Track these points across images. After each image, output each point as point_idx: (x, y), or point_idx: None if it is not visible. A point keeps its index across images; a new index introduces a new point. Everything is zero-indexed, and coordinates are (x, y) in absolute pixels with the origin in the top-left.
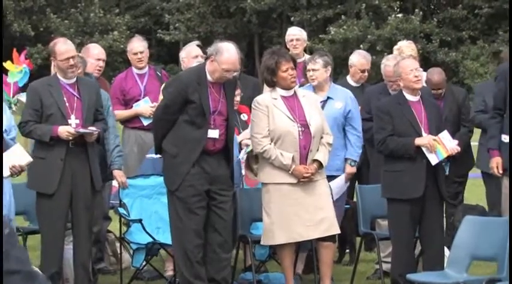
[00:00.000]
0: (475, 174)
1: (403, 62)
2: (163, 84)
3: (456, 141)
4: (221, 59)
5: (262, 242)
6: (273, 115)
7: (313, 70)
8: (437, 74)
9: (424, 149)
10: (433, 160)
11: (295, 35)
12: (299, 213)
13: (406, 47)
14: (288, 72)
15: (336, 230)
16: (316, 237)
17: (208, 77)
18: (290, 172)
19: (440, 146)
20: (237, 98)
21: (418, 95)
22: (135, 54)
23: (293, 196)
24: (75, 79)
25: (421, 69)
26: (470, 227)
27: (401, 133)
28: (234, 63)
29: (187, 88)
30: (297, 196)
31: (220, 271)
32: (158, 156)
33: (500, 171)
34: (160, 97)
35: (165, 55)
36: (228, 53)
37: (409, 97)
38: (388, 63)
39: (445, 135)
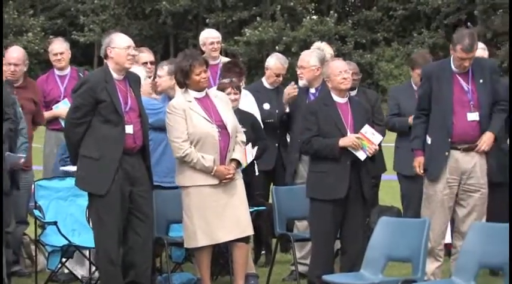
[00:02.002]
0: (389, 175)
1: (333, 63)
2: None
3: (379, 134)
4: (117, 43)
5: (185, 245)
6: (190, 118)
7: (159, 76)
8: (350, 64)
9: (350, 149)
10: (362, 156)
11: (215, 37)
12: (219, 215)
13: (325, 46)
14: (201, 75)
15: (250, 230)
16: (235, 238)
17: (114, 75)
18: (212, 174)
19: (365, 141)
20: None
21: (346, 97)
22: (55, 54)
23: (214, 198)
24: None
25: (350, 72)
26: (386, 228)
27: (326, 134)
28: (128, 38)
29: (96, 88)
30: (218, 197)
31: (141, 274)
32: (75, 168)
33: (421, 171)
34: None
35: (79, 56)
36: (117, 35)
37: (336, 98)
38: (305, 53)
39: (367, 129)
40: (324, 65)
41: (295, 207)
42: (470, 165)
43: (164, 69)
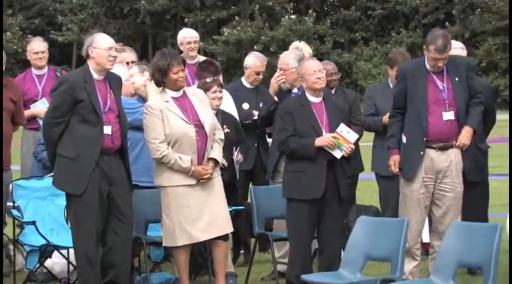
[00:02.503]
0: (367, 175)
1: (307, 62)
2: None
3: (354, 133)
4: (99, 43)
5: (163, 244)
6: (167, 119)
7: (130, 76)
8: (329, 64)
9: (326, 148)
10: (338, 154)
11: (193, 37)
12: (198, 214)
13: (304, 45)
14: (179, 74)
15: (230, 228)
16: (214, 237)
17: (94, 75)
18: (190, 174)
19: (341, 140)
20: None
21: (321, 96)
22: (36, 53)
23: (192, 197)
24: None
25: (325, 71)
26: (364, 227)
27: (302, 134)
28: (111, 39)
29: (75, 87)
30: (196, 196)
31: (120, 274)
32: None
33: (397, 169)
34: None
35: (57, 56)
36: (99, 35)
37: (311, 98)
38: (284, 55)
39: (342, 128)
40: (299, 65)
41: (273, 207)
42: (445, 164)
43: (134, 68)
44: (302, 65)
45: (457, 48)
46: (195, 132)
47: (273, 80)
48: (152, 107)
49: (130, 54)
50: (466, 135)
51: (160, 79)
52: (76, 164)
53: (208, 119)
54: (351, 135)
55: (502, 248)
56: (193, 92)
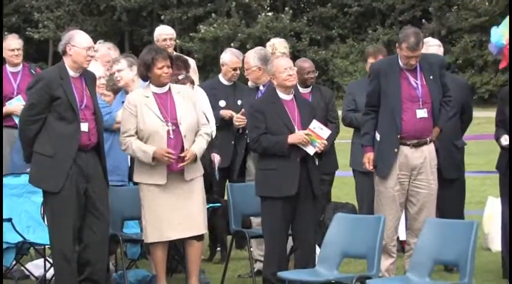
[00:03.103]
0: (344, 172)
1: (277, 60)
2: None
3: (327, 129)
4: (78, 42)
5: (143, 238)
6: (142, 114)
7: (118, 71)
8: (307, 61)
9: (299, 145)
10: (311, 151)
11: (169, 34)
12: (170, 213)
13: (279, 43)
14: (163, 69)
15: (203, 229)
16: (186, 236)
17: (70, 72)
18: (151, 157)
19: (314, 136)
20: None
21: (292, 94)
22: (12, 50)
23: (165, 196)
24: None
25: (295, 68)
26: (341, 224)
27: (275, 132)
28: (90, 39)
29: (51, 84)
30: (170, 195)
31: (96, 272)
32: None
33: (371, 167)
34: None
35: (33, 53)
36: (78, 33)
37: (282, 95)
38: (247, 54)
39: (315, 124)
40: (268, 63)
41: (250, 204)
42: (420, 161)
43: (122, 62)
44: (272, 63)
45: (434, 46)
46: (168, 131)
47: (234, 120)
48: (129, 101)
49: (114, 52)
50: (436, 136)
51: (145, 73)
52: (53, 161)
53: (188, 118)
54: (324, 131)
55: (478, 246)
56: (179, 90)
